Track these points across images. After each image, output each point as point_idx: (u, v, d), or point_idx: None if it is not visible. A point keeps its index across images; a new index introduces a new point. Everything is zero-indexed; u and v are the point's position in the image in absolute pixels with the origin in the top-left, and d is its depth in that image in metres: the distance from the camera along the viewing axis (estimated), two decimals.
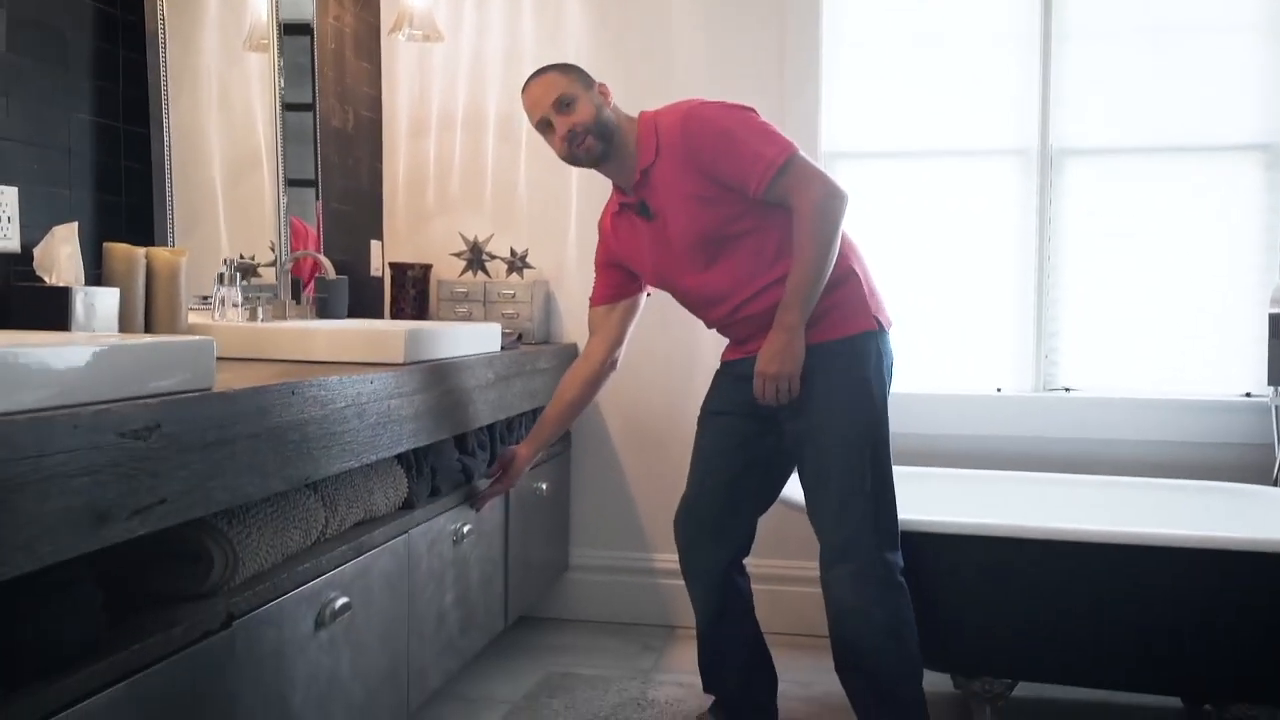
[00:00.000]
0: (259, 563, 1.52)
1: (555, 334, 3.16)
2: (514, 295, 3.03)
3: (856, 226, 3.02)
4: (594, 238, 2.26)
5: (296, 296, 2.51)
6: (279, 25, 2.59)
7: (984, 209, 3.01)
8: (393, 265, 3.10)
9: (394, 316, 3.09)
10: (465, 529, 2.28)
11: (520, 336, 2.91)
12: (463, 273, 3.11)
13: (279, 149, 2.59)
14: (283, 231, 2.56)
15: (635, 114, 2.09)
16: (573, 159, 2.03)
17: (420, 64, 3.18)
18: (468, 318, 3.05)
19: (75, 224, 1.80)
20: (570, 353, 3.06)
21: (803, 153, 1.98)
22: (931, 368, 3.01)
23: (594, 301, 2.27)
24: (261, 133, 2.57)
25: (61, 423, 1.07)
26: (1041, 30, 2.93)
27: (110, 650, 1.22)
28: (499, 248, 3.11)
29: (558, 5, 3.11)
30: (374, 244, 3.18)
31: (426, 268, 3.11)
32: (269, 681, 1.54)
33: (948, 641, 2.28)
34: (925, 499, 2.72)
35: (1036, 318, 2.97)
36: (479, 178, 3.19)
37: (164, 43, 2.14)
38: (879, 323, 2.05)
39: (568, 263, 3.13)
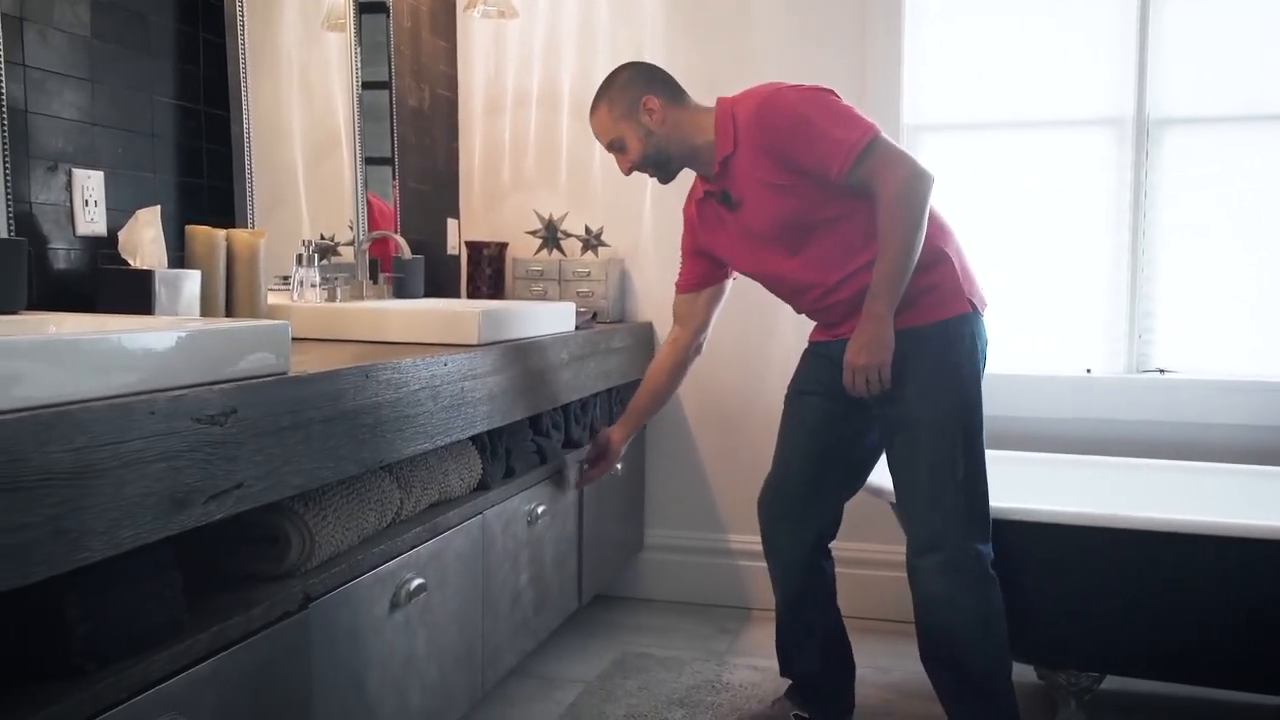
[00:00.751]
0: (335, 545, 1.53)
1: (630, 313, 3.14)
2: (589, 274, 3.02)
3: (943, 203, 2.95)
4: (669, 215, 2.24)
5: (374, 276, 2.52)
6: (356, 4, 2.60)
7: (1075, 182, 2.89)
8: (469, 244, 3.11)
9: (470, 295, 3.10)
10: (540, 509, 2.28)
11: (595, 315, 2.90)
12: (538, 251, 3.10)
13: (357, 129, 2.60)
14: (360, 212, 2.58)
15: (712, 101, 2.04)
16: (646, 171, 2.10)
17: (495, 41, 3.17)
18: (543, 296, 3.04)
19: (158, 207, 1.82)
20: (645, 331, 3.04)
21: (885, 134, 1.91)
22: (1018, 348, 2.91)
23: (680, 288, 2.26)
24: (340, 113, 2.58)
25: (140, 409, 1.08)
26: None
27: (193, 631, 1.24)
28: (574, 226, 3.09)
29: None
30: (450, 222, 3.18)
31: (502, 246, 3.10)
32: (345, 662, 1.55)
33: (1032, 632, 2.21)
34: (1010, 484, 2.63)
35: (1130, 296, 2.84)
36: (554, 155, 3.17)
37: (243, 25, 2.16)
38: (973, 305, 1.99)
39: (643, 241, 3.10)
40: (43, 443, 0.97)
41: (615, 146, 2.05)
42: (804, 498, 2.14)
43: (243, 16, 2.15)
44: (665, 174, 2.07)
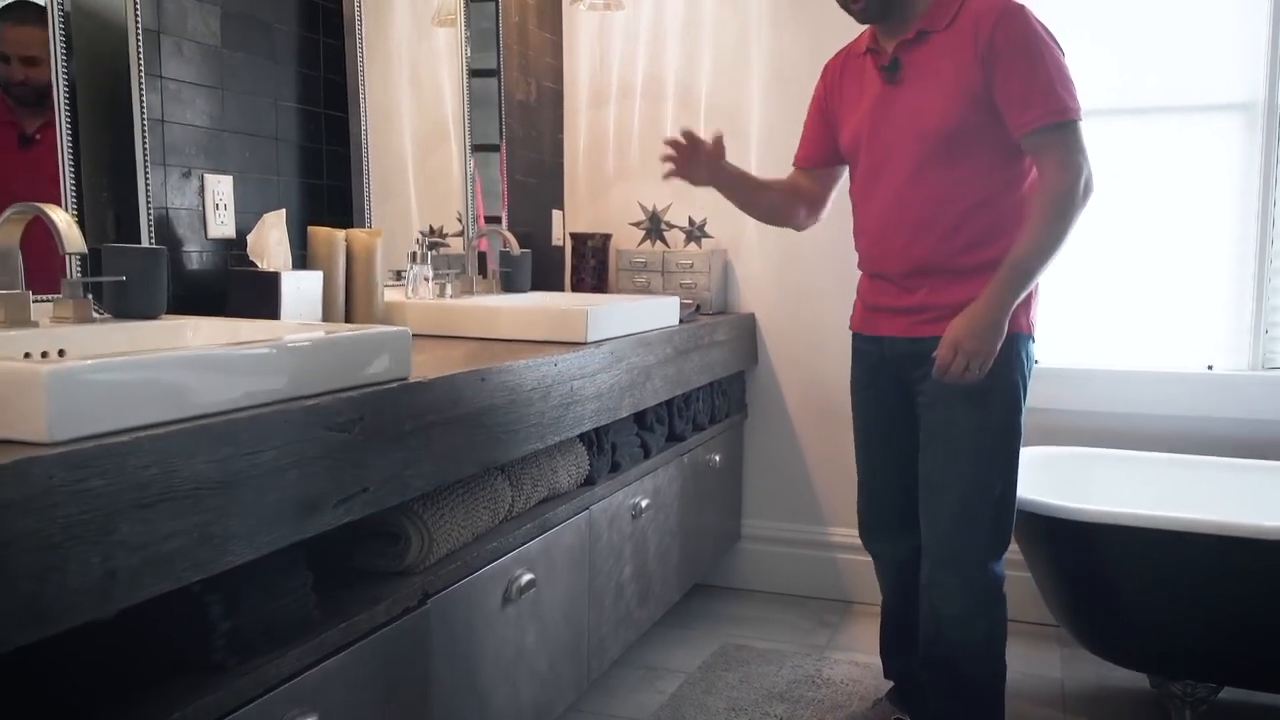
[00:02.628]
0: (451, 542, 1.58)
1: (733, 304, 3.14)
2: (692, 265, 3.02)
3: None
4: None
5: (483, 270, 2.58)
6: (467, 8, 2.64)
7: (1199, 170, 2.77)
8: (573, 235, 3.15)
9: (574, 286, 3.14)
10: (643, 503, 2.31)
11: (699, 307, 2.90)
12: (641, 242, 3.12)
13: (466, 122, 2.65)
14: (469, 208, 2.63)
15: None
16: (842, 4, 1.87)
17: (600, 33, 3.18)
18: (646, 287, 3.06)
19: (283, 211, 1.90)
20: (748, 323, 3.03)
21: (1079, 128, 1.78)
22: (1136, 342, 2.83)
23: (797, 160, 2.12)
24: (449, 106, 2.63)
25: (276, 419, 1.14)
26: None
27: (322, 628, 1.30)
28: (678, 217, 3.10)
29: None
30: (555, 213, 3.22)
31: (606, 237, 3.13)
32: (461, 655, 1.61)
33: (1147, 641, 2.16)
34: (1127, 485, 2.57)
35: (1256, 290, 2.73)
36: (658, 146, 3.15)
37: (361, 27, 2.22)
38: (1031, 327, 1.91)
39: (746, 232, 3.09)
40: (191, 455, 1.02)
41: None
42: (897, 508, 2.07)
43: (360, 19, 2.21)
44: (879, 8, 1.82)
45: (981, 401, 1.84)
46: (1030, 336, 1.90)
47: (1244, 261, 2.74)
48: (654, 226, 3.10)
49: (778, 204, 2.12)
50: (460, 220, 2.63)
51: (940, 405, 1.88)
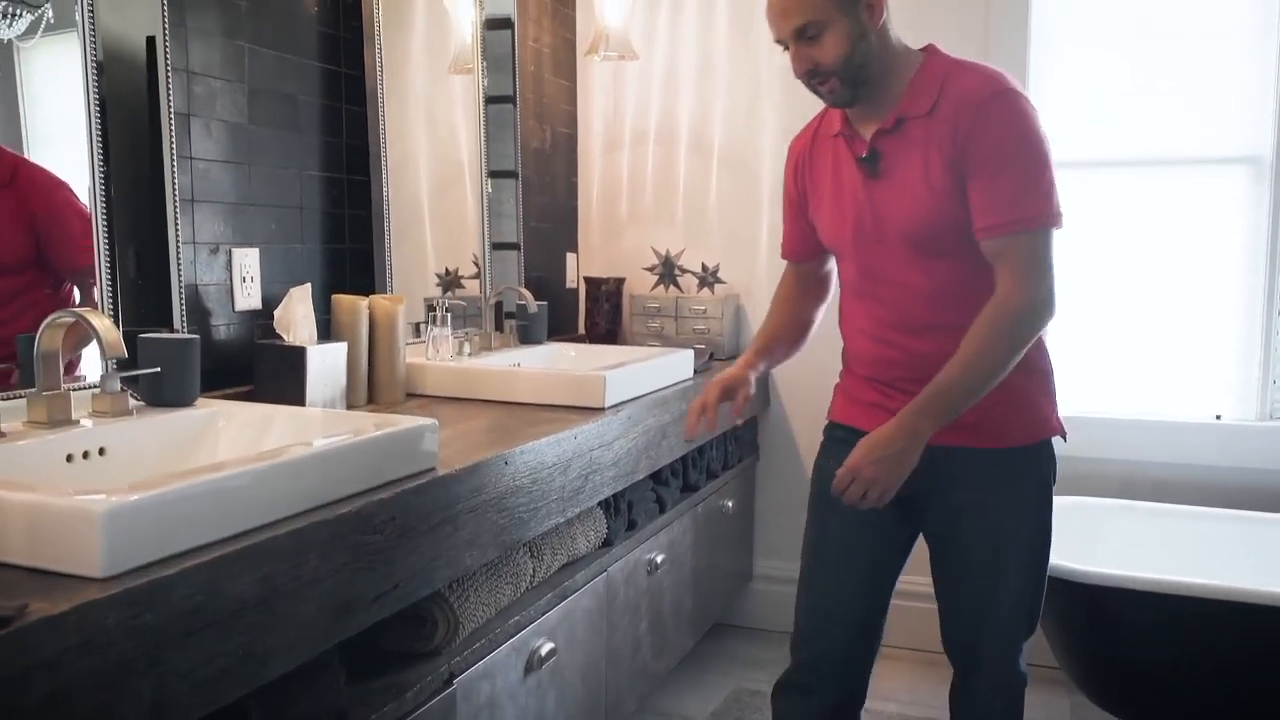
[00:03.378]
0: (476, 620, 1.62)
1: (746, 349, 3.17)
2: (705, 310, 3.06)
3: (1062, 243, 2.90)
4: None
5: (499, 326, 2.62)
6: (484, 57, 2.67)
7: (1207, 222, 2.80)
8: (587, 279, 3.19)
9: (588, 329, 3.18)
10: (659, 559, 2.35)
11: (712, 354, 2.94)
12: (654, 287, 3.16)
13: (483, 166, 2.67)
14: (486, 259, 2.67)
15: (921, 46, 1.68)
16: (810, 87, 1.64)
17: (615, 80, 3.23)
18: (659, 333, 3.10)
19: (308, 286, 1.94)
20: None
21: (1052, 237, 1.57)
22: (1146, 391, 2.86)
23: (787, 256, 1.90)
24: (465, 150, 2.66)
25: (313, 533, 1.18)
26: (1279, 23, 2.69)
27: (356, 719, 1.34)
28: (691, 262, 3.14)
29: (749, 16, 3.07)
30: (569, 256, 3.27)
31: (620, 281, 3.17)
32: None
33: (1148, 695, 2.20)
34: (1134, 536, 2.61)
35: (1264, 341, 2.76)
36: (671, 191, 3.22)
37: (381, 94, 2.26)
38: (1061, 426, 1.74)
39: (758, 277, 3.12)
40: (235, 577, 1.07)
41: (808, 33, 1.56)
42: (850, 641, 1.79)
43: (381, 86, 2.25)
44: (850, 94, 1.60)
45: (1022, 517, 1.68)
46: (1059, 437, 1.73)
47: (1252, 313, 2.77)
48: (667, 271, 3.15)
49: (798, 333, 1.92)
50: (476, 264, 2.66)
51: (973, 516, 1.68)
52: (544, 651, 1.80)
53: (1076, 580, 2.15)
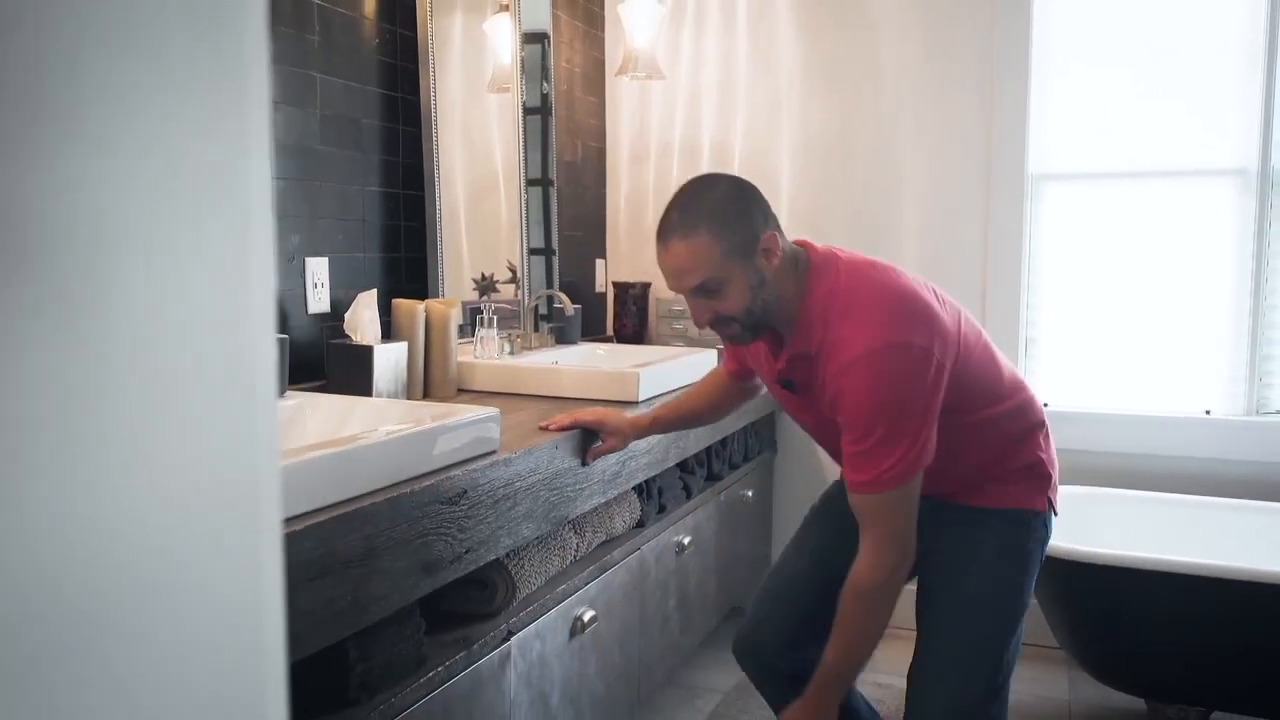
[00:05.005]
0: (529, 586, 1.84)
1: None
2: None
3: (1061, 249, 3.09)
4: None
5: (537, 326, 2.84)
6: (523, 73, 2.89)
7: (1197, 230, 2.99)
8: (615, 284, 3.40)
9: (616, 332, 3.39)
10: (686, 541, 2.55)
11: None
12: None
13: (522, 182, 2.89)
14: (525, 266, 2.89)
15: (816, 258, 1.60)
16: (715, 330, 1.64)
17: (641, 98, 3.44)
18: (683, 334, 3.31)
19: (374, 291, 2.16)
20: None
21: (904, 491, 1.54)
22: (1138, 388, 3.05)
23: (728, 368, 1.98)
24: (500, 165, 2.88)
25: (405, 500, 1.40)
26: (1266, 44, 2.87)
27: (431, 666, 1.56)
28: None
29: (770, 35, 3.28)
30: (598, 263, 3.48)
31: (646, 285, 3.38)
32: (535, 683, 1.86)
33: (1144, 669, 2.39)
34: (1128, 522, 2.80)
35: (1251, 341, 2.95)
36: None
37: (435, 116, 2.48)
38: (1046, 504, 1.75)
39: None
40: (345, 535, 1.28)
41: (707, 289, 1.54)
42: (791, 628, 1.88)
43: (435, 109, 2.47)
44: (751, 336, 1.62)
45: (992, 576, 1.70)
46: (1045, 513, 1.74)
47: (1239, 314, 2.96)
48: None
49: (706, 416, 2.04)
50: (511, 269, 2.88)
51: (945, 571, 1.72)
52: (586, 618, 2.01)
53: (1074, 559, 2.34)
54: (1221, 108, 2.94)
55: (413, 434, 1.47)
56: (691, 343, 3.26)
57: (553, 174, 3.04)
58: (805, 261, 1.60)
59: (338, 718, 1.39)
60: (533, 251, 2.93)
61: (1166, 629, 2.33)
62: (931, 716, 1.67)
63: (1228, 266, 2.97)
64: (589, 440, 1.94)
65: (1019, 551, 1.71)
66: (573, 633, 1.99)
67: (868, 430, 1.51)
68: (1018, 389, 1.75)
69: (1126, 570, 2.31)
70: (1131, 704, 2.68)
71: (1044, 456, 1.76)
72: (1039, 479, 1.75)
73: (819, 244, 1.66)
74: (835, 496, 1.93)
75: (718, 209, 1.52)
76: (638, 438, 1.99)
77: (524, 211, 2.88)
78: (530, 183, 2.92)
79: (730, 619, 3.22)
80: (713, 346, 2.98)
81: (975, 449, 1.70)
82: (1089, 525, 2.74)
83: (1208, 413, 2.98)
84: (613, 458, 2.03)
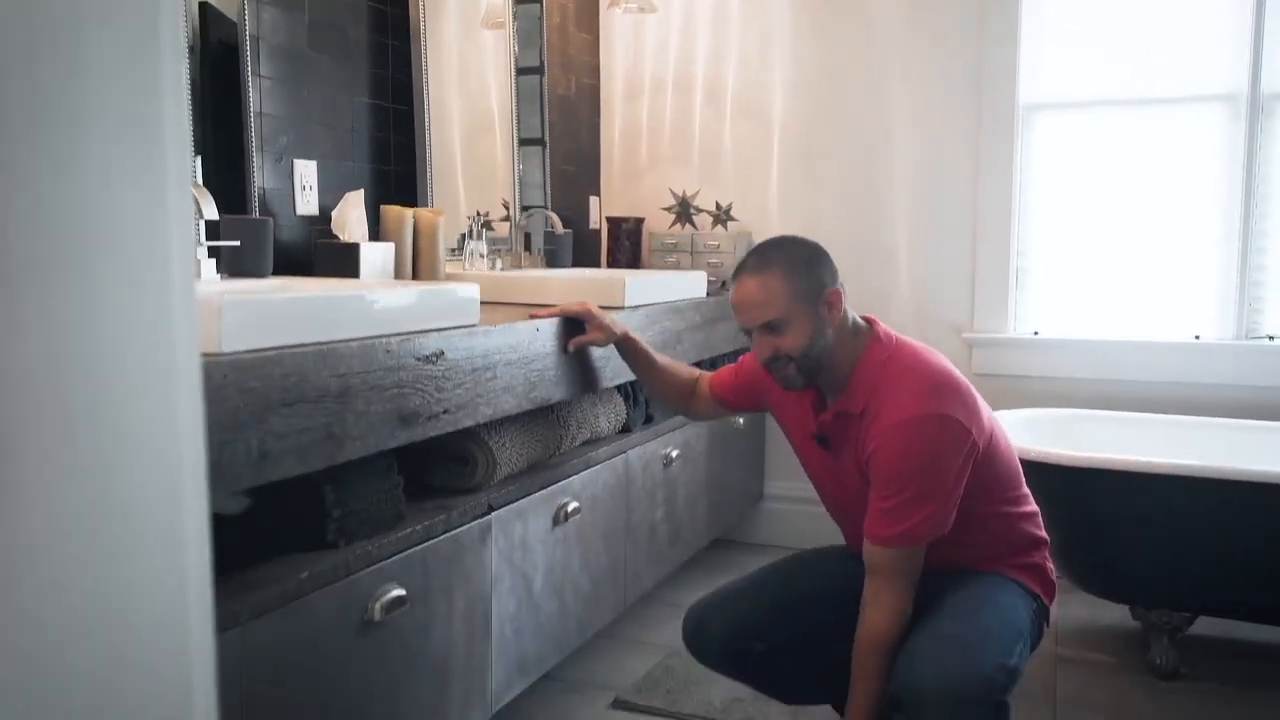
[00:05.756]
0: (510, 467, 1.87)
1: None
2: (718, 246, 3.29)
3: (1051, 179, 3.11)
4: (795, 192, 2.41)
5: (529, 248, 2.86)
6: (514, 2, 2.92)
7: (1187, 155, 3.00)
8: (609, 219, 3.42)
9: (610, 265, 3.41)
10: (674, 454, 2.58)
11: (724, 284, 3.17)
12: (671, 225, 3.39)
13: (514, 115, 2.92)
14: (516, 191, 2.92)
15: (878, 329, 1.73)
16: (769, 370, 1.74)
17: (635, 33, 3.46)
18: (676, 267, 3.33)
19: (361, 191, 2.19)
20: None
21: (920, 551, 1.65)
22: (1129, 314, 3.06)
23: (710, 383, 2.04)
24: (496, 101, 2.92)
25: (379, 348, 1.43)
26: None
27: (409, 524, 1.59)
28: (705, 202, 3.37)
29: None
30: (592, 199, 3.50)
31: (639, 221, 3.41)
32: (518, 563, 1.89)
33: (1129, 574, 2.41)
34: (1116, 440, 2.81)
35: (1241, 265, 2.95)
36: (687, 136, 3.45)
37: (424, 30, 2.51)
38: (1045, 592, 1.81)
39: (769, 215, 3.35)
40: (319, 370, 1.31)
41: (773, 327, 1.66)
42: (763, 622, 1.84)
43: (424, 24, 2.50)
44: (804, 380, 1.72)
45: (994, 583, 1.75)
46: (1046, 608, 1.79)
47: (1229, 240, 2.97)
48: (683, 210, 3.38)
49: (669, 394, 2.09)
50: (506, 207, 2.91)
51: (947, 588, 1.73)
52: (570, 509, 2.04)
53: (1060, 464, 2.35)
54: (1211, 33, 2.94)
55: (390, 290, 1.51)
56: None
57: (544, 119, 3.07)
58: (867, 331, 1.74)
59: (318, 559, 1.42)
60: (525, 179, 2.96)
61: (1152, 532, 2.35)
62: (946, 674, 1.56)
63: (1217, 193, 2.98)
64: (573, 333, 1.97)
65: (1022, 607, 1.73)
66: (555, 521, 2.02)
67: (902, 487, 1.62)
68: (1033, 505, 1.86)
69: (1111, 473, 2.33)
70: (1117, 621, 2.70)
71: (1050, 568, 1.84)
72: (1045, 583, 1.82)
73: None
74: (813, 561, 2.00)
75: (791, 257, 1.69)
76: (618, 342, 2.05)
77: (514, 114, 2.90)
78: (521, 96, 2.95)
79: (722, 549, 3.25)
80: (702, 269, 3.01)
81: (989, 541, 1.78)
82: (1075, 442, 2.75)
83: (1197, 338, 2.99)
84: (597, 353, 2.06)
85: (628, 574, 2.37)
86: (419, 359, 1.51)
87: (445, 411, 1.57)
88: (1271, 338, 2.94)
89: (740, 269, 1.72)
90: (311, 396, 1.30)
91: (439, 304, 1.62)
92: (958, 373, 1.74)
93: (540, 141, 3.10)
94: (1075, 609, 2.80)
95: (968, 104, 3.13)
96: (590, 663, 2.44)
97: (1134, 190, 3.06)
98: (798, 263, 1.68)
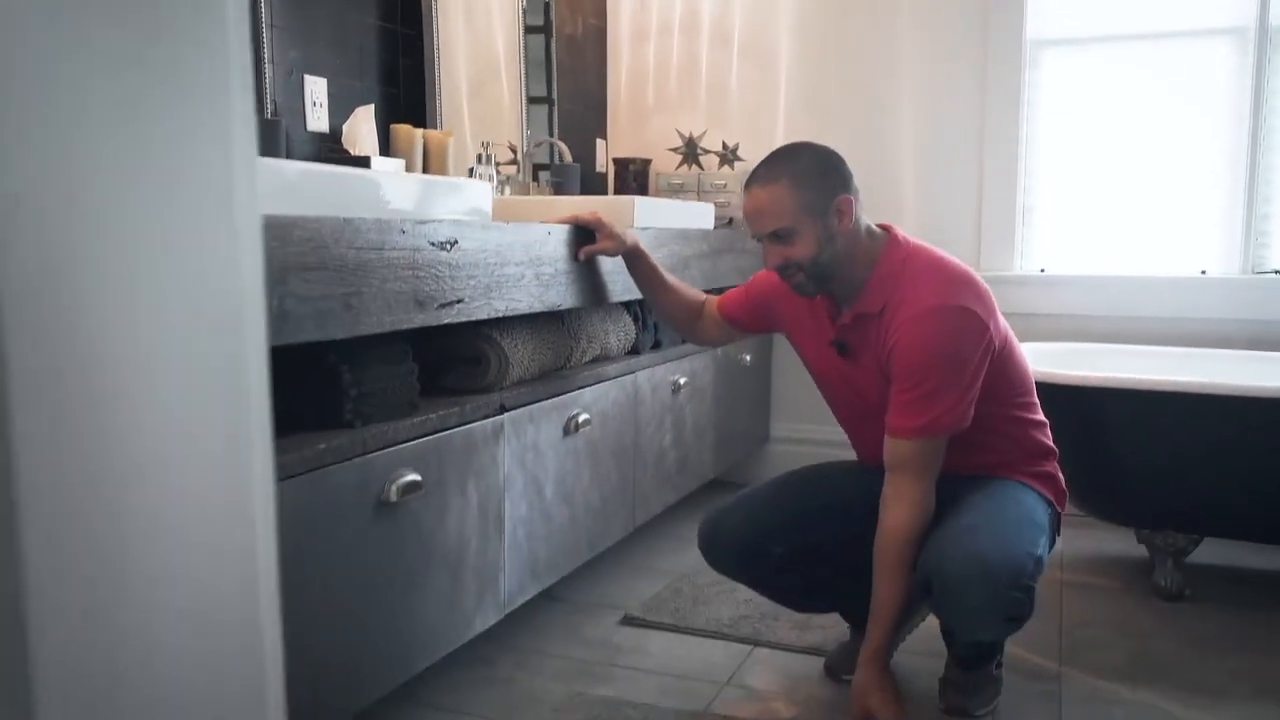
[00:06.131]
0: (522, 370, 1.87)
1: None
2: (725, 185, 3.29)
3: (1058, 115, 3.10)
4: (801, 132, 2.39)
5: (536, 176, 2.87)
6: None
7: (1195, 89, 3.00)
8: (616, 160, 3.42)
9: None
10: (682, 381, 2.59)
11: (730, 221, 3.18)
12: (678, 166, 3.39)
13: (522, 51, 2.91)
14: (523, 119, 2.91)
15: (895, 234, 1.77)
16: (781, 275, 1.78)
17: None
18: None
19: (372, 106, 2.19)
20: None
21: (941, 441, 1.69)
22: (1136, 250, 3.07)
23: (719, 304, 2.05)
24: (501, 42, 2.90)
25: (395, 226, 1.43)
26: None
27: (424, 412, 1.60)
28: (712, 143, 3.37)
29: None
30: (599, 142, 3.50)
31: (646, 162, 3.41)
32: (529, 467, 1.90)
33: (1135, 496, 2.42)
34: (1120, 371, 2.82)
35: (1247, 200, 2.95)
36: (694, 78, 3.45)
37: None
38: (1057, 499, 1.86)
39: None
40: (337, 241, 1.32)
41: (780, 236, 1.70)
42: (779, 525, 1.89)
43: None
44: (815, 288, 1.75)
45: (1012, 485, 1.80)
46: (1059, 519, 1.84)
47: (1236, 175, 2.97)
48: (690, 151, 3.37)
49: (676, 312, 2.09)
50: (512, 150, 2.91)
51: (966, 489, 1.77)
52: (580, 420, 2.05)
53: (1067, 384, 2.36)
54: None
55: (406, 177, 1.51)
56: None
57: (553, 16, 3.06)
58: (883, 236, 1.77)
59: (335, 435, 1.43)
60: (532, 100, 2.96)
61: (1159, 452, 2.36)
62: (976, 546, 1.61)
63: (1224, 128, 2.98)
64: (584, 243, 1.98)
65: (1040, 508, 1.77)
66: (566, 431, 2.03)
67: (923, 378, 1.65)
68: (1043, 416, 1.90)
69: (1118, 392, 2.34)
70: (1122, 551, 2.72)
71: (1060, 478, 1.87)
72: (1058, 491, 1.85)
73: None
74: (831, 473, 2.01)
75: (799, 167, 1.71)
76: (628, 254, 2.05)
77: (523, 46, 2.89)
78: (529, 30, 2.94)
79: (729, 490, 3.26)
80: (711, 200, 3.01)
81: (1004, 445, 1.82)
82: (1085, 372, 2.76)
83: (1203, 273, 3.00)
84: (607, 267, 2.07)
85: (636, 495, 2.38)
86: (434, 244, 1.52)
87: (459, 301, 1.58)
88: (1277, 271, 2.94)
89: (751, 179, 1.75)
90: (331, 265, 1.31)
91: (453, 198, 1.62)
92: (976, 274, 1.76)
93: (547, 83, 3.09)
94: (1081, 541, 2.82)
95: (975, 41, 3.12)
96: (599, 585, 2.46)
97: (1140, 126, 3.06)
98: (806, 172, 1.70)
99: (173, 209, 0.54)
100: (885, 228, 1.79)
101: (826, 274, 1.72)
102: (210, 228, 0.56)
